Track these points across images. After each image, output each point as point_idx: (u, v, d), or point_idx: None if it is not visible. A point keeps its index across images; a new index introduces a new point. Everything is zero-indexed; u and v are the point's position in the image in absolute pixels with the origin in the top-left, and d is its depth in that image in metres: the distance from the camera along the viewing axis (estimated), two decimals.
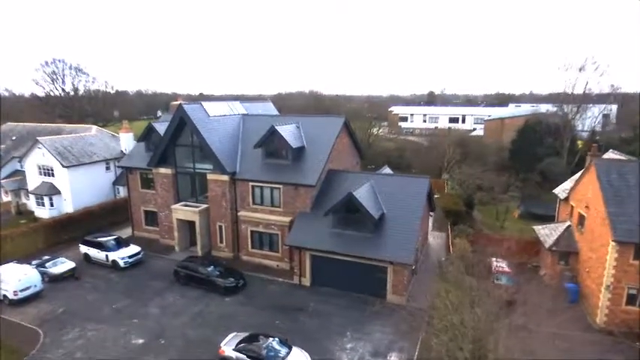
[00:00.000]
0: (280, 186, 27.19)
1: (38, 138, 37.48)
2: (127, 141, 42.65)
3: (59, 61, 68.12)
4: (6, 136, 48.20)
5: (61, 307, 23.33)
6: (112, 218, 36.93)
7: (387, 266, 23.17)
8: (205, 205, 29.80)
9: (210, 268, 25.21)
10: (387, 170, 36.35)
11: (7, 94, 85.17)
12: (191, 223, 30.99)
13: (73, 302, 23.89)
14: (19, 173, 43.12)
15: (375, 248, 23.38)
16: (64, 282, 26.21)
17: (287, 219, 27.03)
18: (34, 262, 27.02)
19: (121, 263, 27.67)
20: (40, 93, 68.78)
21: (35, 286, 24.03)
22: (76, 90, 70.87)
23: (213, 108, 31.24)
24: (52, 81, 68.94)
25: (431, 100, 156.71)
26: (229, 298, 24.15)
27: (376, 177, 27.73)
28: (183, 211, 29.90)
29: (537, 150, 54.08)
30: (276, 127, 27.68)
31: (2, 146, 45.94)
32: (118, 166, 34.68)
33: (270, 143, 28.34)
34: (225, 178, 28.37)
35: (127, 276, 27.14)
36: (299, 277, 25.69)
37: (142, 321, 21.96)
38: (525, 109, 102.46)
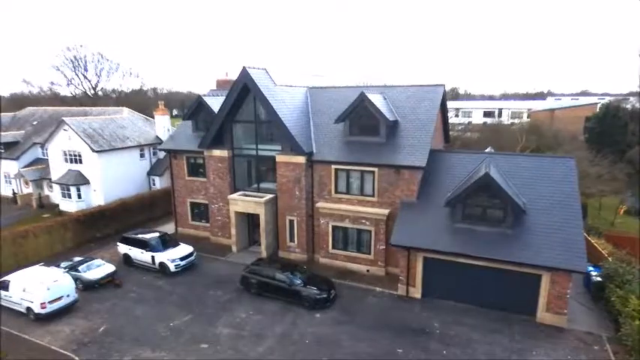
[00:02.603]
0: (375, 169, 21.20)
1: (64, 118, 32.10)
2: (163, 124, 37.19)
3: (80, 46, 63.22)
4: (25, 121, 43.12)
5: (102, 325, 17.66)
6: (149, 213, 31.42)
7: (540, 274, 17.03)
8: (271, 195, 23.98)
9: (291, 275, 19.34)
10: None
11: (25, 85, 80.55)
12: (252, 218, 25.26)
13: (116, 318, 18.22)
14: (40, 162, 37.95)
15: (522, 249, 17.25)
16: (101, 290, 20.61)
17: (384, 211, 21.04)
18: (63, 265, 21.50)
19: (172, 267, 21.95)
20: (62, 80, 63.86)
21: (68, 295, 18.41)
22: (98, 77, 65.94)
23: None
24: (74, 68, 64.09)
25: (455, 96, 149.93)
26: (320, 314, 18.23)
27: (497, 157, 21.49)
28: (243, 203, 24.10)
29: (619, 138, 47.75)
30: (367, 95, 21.75)
31: (22, 132, 40.82)
32: (160, 149, 29.07)
33: (358, 116, 22.40)
34: (301, 159, 22.49)
35: (179, 283, 21.40)
36: (406, 287, 19.66)
37: (213, 346, 16.13)
38: (567, 101, 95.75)
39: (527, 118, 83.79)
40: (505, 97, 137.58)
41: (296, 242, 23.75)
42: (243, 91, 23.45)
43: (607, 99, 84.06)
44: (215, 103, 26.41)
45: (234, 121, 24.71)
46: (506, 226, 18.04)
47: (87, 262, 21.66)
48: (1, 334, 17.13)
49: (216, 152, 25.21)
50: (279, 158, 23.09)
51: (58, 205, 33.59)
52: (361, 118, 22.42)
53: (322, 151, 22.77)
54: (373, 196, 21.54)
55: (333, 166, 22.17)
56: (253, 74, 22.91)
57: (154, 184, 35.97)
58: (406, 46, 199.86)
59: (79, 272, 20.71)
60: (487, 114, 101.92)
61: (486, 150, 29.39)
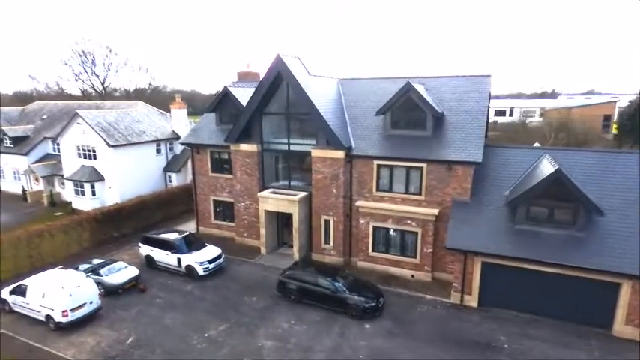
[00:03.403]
0: (423, 165, 19.43)
1: (78, 111, 30.39)
2: (180, 119, 35.48)
3: (89, 39, 61.53)
4: (35, 115, 41.46)
5: (129, 336, 15.94)
6: (168, 211, 29.73)
7: (619, 282, 15.26)
8: (304, 193, 22.25)
9: (335, 280, 17.59)
10: None
11: (31, 81, 78.86)
12: (281, 217, 23.55)
13: (145, 327, 16.50)
14: (51, 157, 36.26)
15: (598, 254, 15.47)
16: (125, 295, 18.91)
17: (432, 211, 19.29)
18: (82, 268, 19.79)
19: (200, 270, 20.22)
20: (69, 75, 62.25)
21: (91, 302, 16.71)
22: (107, 72, 64.32)
23: None
24: (82, 62, 62.49)
25: None
26: (370, 325, 16.48)
27: (556, 153, 19.69)
28: (275, 201, 22.37)
29: None
30: (413, 85, 19.99)
31: (31, 126, 39.15)
32: (182, 144, 27.25)
33: (402, 108, 20.66)
34: (340, 155, 20.75)
35: (209, 287, 19.68)
36: (460, 294, 17.91)
37: None
38: (581, 100, 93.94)
39: (540, 117, 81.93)
40: (511, 96, 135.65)
41: (332, 244, 22.01)
42: (275, 80, 21.72)
43: (623, 98, 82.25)
44: (241, 95, 24.72)
45: (263, 113, 22.98)
46: (577, 228, 16.27)
47: (108, 264, 19.94)
48: (1, 337, 15.76)
49: (244, 147, 23.49)
50: (315, 153, 21.35)
51: (70, 203, 31.92)
52: (405, 110, 20.66)
53: (362, 145, 21.02)
54: (420, 194, 19.78)
55: (376, 162, 20.41)
56: (288, 62, 21.18)
57: (170, 181, 34.29)
58: (411, 44, 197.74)
59: (101, 276, 19.00)
60: (498, 113, 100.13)
61: (534, 146, 27.64)
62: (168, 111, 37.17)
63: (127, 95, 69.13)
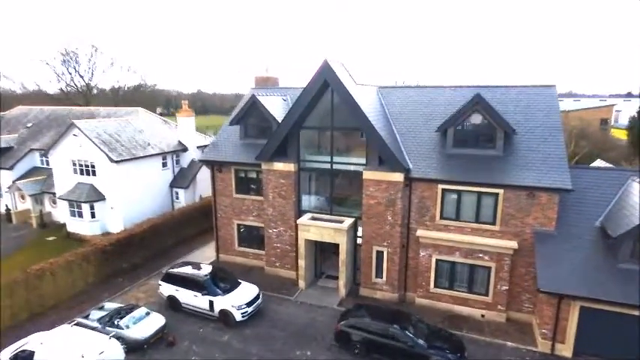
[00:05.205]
0: (499, 190, 16.86)
1: (75, 121, 26.57)
2: (187, 128, 31.99)
3: (73, 38, 56.74)
4: (18, 122, 37.06)
5: None
6: (179, 235, 26.35)
7: None
8: (350, 220, 19.42)
9: (407, 329, 14.83)
10: None
11: (6, 80, 72.96)
12: (319, 246, 20.72)
13: None
14: (39, 171, 32.19)
15: None
16: (151, 350, 15.67)
17: (510, 243, 16.78)
18: (93, 316, 16.47)
19: (238, 316, 17.10)
20: (52, 76, 57.41)
21: None
22: (92, 73, 59.61)
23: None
24: (64, 61, 57.62)
25: None
26: None
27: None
28: (317, 229, 19.43)
29: None
30: (482, 97, 17.44)
31: (14, 136, 34.81)
32: (202, 160, 23.93)
33: (467, 123, 18.11)
34: (398, 177, 18.00)
35: (250, 337, 16.60)
36: (551, 342, 15.45)
37: None
38: (569, 103, 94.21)
39: None
40: None
41: (384, 278, 19.26)
42: (321, 89, 18.81)
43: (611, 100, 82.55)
44: (275, 104, 21.73)
45: (302, 127, 20.02)
46: None
47: (127, 311, 16.64)
48: None
49: (279, 166, 20.47)
50: (368, 175, 18.53)
51: (64, 225, 28.09)
52: (471, 126, 18.13)
53: (422, 166, 18.33)
54: (494, 223, 17.22)
55: (440, 186, 17.75)
56: (336, 69, 18.29)
57: (177, 198, 30.82)
58: (405, 48, 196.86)
59: (120, 328, 15.70)
60: None
61: (595, 162, 25.62)
62: (166, 108, 33.70)
63: (114, 97, 64.47)
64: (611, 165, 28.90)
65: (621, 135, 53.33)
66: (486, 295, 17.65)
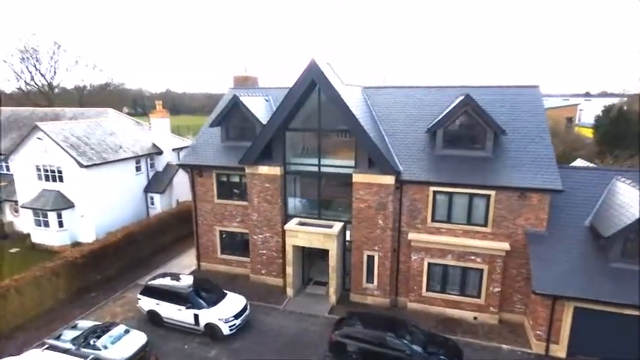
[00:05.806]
0: (491, 192, 16.72)
1: (39, 124, 24.64)
2: (161, 129, 30.48)
3: (33, 34, 53.56)
4: None
5: None
6: (156, 243, 24.98)
7: None
8: (340, 224, 18.84)
9: (401, 336, 14.39)
10: None
11: None
12: (306, 251, 20.05)
13: None
14: None
15: None
16: None
17: (502, 245, 16.67)
18: (66, 337, 15.13)
19: (225, 329, 16.16)
20: (10, 74, 53.85)
21: None
22: (54, 71, 56.32)
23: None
24: (23, 59, 54.13)
25: None
26: None
27: (625, 174, 17.79)
28: (306, 235, 18.72)
29: (632, 140, 47.09)
30: (472, 98, 17.26)
31: None
32: (180, 165, 22.69)
33: (457, 124, 17.90)
34: (389, 180, 17.56)
35: (239, 352, 15.71)
36: (546, 343, 15.43)
37: None
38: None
39: None
40: None
41: (375, 283, 18.79)
42: (308, 89, 18.10)
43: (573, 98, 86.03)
44: (257, 103, 20.87)
45: (287, 128, 19.25)
46: None
47: (104, 329, 15.37)
48: None
49: (264, 169, 19.62)
50: (358, 178, 18.00)
51: (28, 236, 26.07)
52: (461, 127, 17.93)
53: (412, 168, 17.97)
54: (485, 225, 17.07)
55: (432, 188, 17.44)
56: (324, 69, 17.63)
57: (152, 204, 29.29)
58: (386, 48, 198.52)
59: (97, 349, 14.46)
60: None
61: (576, 162, 26.13)
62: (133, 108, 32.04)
63: (79, 96, 61.23)
64: (592, 165, 29.63)
65: (587, 133, 55.48)
66: (479, 297, 17.50)
